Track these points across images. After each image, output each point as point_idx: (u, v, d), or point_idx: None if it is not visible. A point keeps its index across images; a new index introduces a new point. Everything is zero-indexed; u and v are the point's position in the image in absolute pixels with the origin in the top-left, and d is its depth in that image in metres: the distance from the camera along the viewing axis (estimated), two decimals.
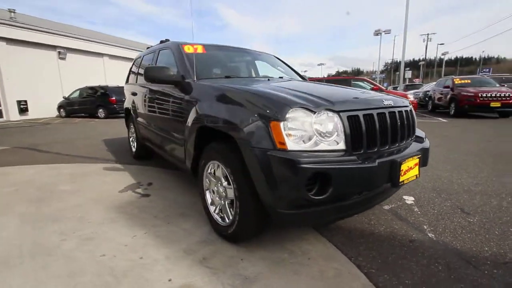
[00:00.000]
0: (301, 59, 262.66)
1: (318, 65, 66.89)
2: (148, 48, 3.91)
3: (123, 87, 13.32)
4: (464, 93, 9.23)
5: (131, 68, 4.36)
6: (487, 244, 1.81)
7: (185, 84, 2.28)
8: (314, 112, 1.43)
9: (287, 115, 1.39)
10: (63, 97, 13.70)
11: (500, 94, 8.58)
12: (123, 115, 12.78)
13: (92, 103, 12.73)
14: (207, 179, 2.01)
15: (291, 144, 1.38)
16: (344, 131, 1.46)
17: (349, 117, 1.49)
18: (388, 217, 2.20)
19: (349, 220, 2.14)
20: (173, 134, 2.48)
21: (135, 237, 1.93)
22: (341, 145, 1.45)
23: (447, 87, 10.51)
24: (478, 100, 8.77)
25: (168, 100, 2.54)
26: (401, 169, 1.57)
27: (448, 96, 10.14)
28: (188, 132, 2.14)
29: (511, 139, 5.32)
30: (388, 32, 27.53)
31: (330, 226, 2.04)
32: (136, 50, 19.99)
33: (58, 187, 2.95)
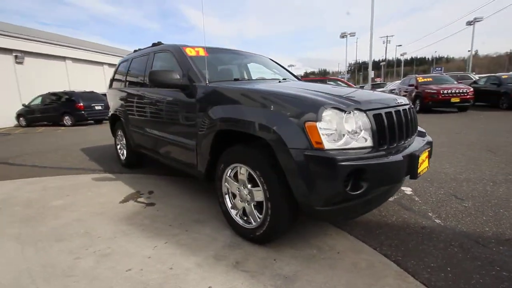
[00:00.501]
0: None
1: (288, 66, 68.48)
2: (136, 51, 3.75)
3: (91, 92, 12.62)
4: (427, 90, 10.05)
5: (115, 72, 4.15)
6: (486, 225, 2.02)
7: (194, 88, 2.24)
8: (345, 112, 1.49)
9: (322, 115, 1.44)
10: (23, 105, 12.53)
11: (459, 91, 9.48)
12: (92, 122, 12.18)
13: (56, 110, 11.80)
14: (226, 183, 2.00)
15: (327, 143, 1.43)
16: (371, 129, 1.55)
17: (374, 115, 1.58)
18: (395, 208, 2.35)
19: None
20: (181, 140, 2.41)
21: (157, 248, 1.85)
22: (369, 142, 1.54)
23: (412, 85, 11.36)
24: (440, 97, 9.60)
25: (174, 105, 2.47)
26: (419, 161, 1.70)
27: (413, 94, 10.95)
28: (203, 137, 2.11)
29: (475, 130, 5.92)
30: (353, 34, 29.08)
31: (347, 221, 2.13)
32: (102, 53, 18.99)
33: (48, 203, 2.71)
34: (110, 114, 4.11)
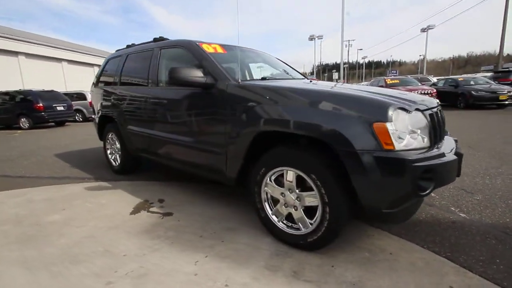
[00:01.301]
0: None
1: (257, 68, 68.85)
2: (130, 46, 3.43)
3: (51, 91, 11.41)
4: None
5: (103, 69, 3.75)
6: (505, 215, 2.17)
7: (222, 87, 2.08)
8: (409, 112, 1.48)
9: (392, 116, 1.41)
10: None
11: (424, 92, 10.30)
12: (53, 124, 10.98)
13: (9, 111, 10.46)
14: (266, 188, 1.89)
15: (396, 144, 1.40)
16: (428, 129, 1.56)
17: (429, 116, 1.60)
18: (420, 205, 2.42)
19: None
20: (204, 143, 2.23)
21: (199, 263, 1.68)
22: (426, 142, 1.54)
23: (381, 86, 12.10)
24: None
25: (195, 106, 2.27)
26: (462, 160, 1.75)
27: None
28: (236, 139, 1.96)
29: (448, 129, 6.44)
30: (320, 37, 30.27)
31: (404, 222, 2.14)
32: (61, 49, 17.36)
33: (42, 218, 2.34)
34: (98, 115, 3.70)
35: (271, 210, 1.91)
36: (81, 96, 12.50)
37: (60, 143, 6.41)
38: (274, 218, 1.89)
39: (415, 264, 1.62)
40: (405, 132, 1.46)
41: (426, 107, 1.65)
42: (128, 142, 3.17)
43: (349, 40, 52.52)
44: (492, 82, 11.82)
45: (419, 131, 1.52)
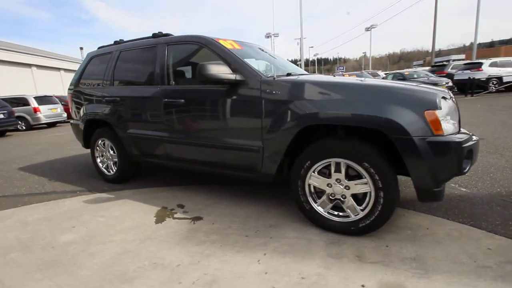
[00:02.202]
0: None
1: None
2: (118, 42, 3.14)
3: None
4: None
5: (84, 68, 3.37)
6: (493, 186, 2.56)
7: (253, 84, 2.06)
8: (447, 100, 1.67)
9: (440, 104, 1.58)
10: None
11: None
12: None
13: None
14: (310, 181, 1.94)
15: (444, 129, 1.58)
16: (456, 115, 1.78)
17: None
18: None
19: (412, 192, 2.52)
20: (236, 142, 2.18)
21: (262, 261, 1.67)
22: (456, 127, 1.76)
23: None
24: None
25: (224, 104, 2.20)
26: None
27: None
28: (277, 135, 1.97)
29: None
30: (276, 35, 31.05)
31: (404, 199, 2.37)
32: (28, 54, 17.40)
33: (54, 240, 2.05)
34: (82, 120, 3.31)
35: (316, 202, 1.98)
36: (22, 102, 10.90)
37: (14, 155, 5.55)
38: (320, 209, 1.96)
39: (451, 235, 1.84)
40: (447, 119, 1.64)
41: (450, 96, 1.87)
42: (129, 147, 2.92)
43: (300, 38, 54.87)
44: (431, 74, 13.55)
45: (451, 117, 1.73)
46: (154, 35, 2.81)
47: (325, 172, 1.92)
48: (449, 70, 14.44)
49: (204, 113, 2.35)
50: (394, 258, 1.63)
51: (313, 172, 1.92)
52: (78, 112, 3.42)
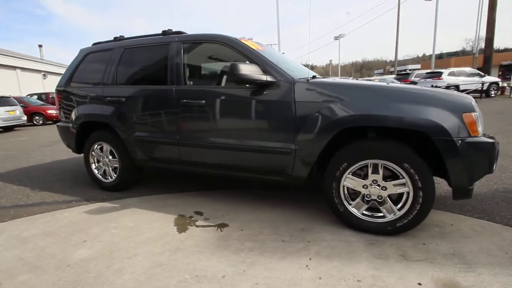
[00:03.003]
0: None
1: None
2: (118, 39, 2.90)
3: None
4: None
5: (77, 66, 3.07)
6: (489, 183, 2.80)
7: (288, 85, 2.03)
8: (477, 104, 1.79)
9: (475, 107, 1.69)
10: None
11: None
12: None
13: None
14: (345, 183, 1.95)
15: (479, 131, 1.69)
16: (481, 118, 1.91)
17: None
18: None
19: None
20: (267, 145, 2.12)
21: (311, 267, 1.63)
22: (482, 129, 1.88)
23: None
24: None
25: (254, 106, 2.12)
26: None
27: None
28: (312, 137, 1.96)
29: None
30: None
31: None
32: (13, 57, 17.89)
33: (67, 257, 1.80)
34: (75, 123, 2.99)
35: (350, 204, 1.99)
36: None
37: None
38: (355, 210, 1.97)
39: (475, 230, 1.96)
40: (480, 121, 1.76)
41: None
42: (135, 151, 2.69)
43: (271, 44, 55.90)
44: (398, 82, 14.59)
45: (481, 120, 1.85)
46: (164, 33, 2.65)
47: (359, 174, 1.94)
48: (412, 78, 15.69)
49: (229, 115, 2.26)
50: (436, 254, 1.69)
51: (349, 173, 1.93)
52: (69, 114, 3.09)
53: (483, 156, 1.67)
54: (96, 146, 2.97)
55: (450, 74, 13.13)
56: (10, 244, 1.98)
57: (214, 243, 1.93)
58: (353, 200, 1.99)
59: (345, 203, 1.99)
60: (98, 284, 1.54)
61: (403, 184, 1.81)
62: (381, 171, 1.85)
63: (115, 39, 2.96)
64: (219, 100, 2.26)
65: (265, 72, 2.08)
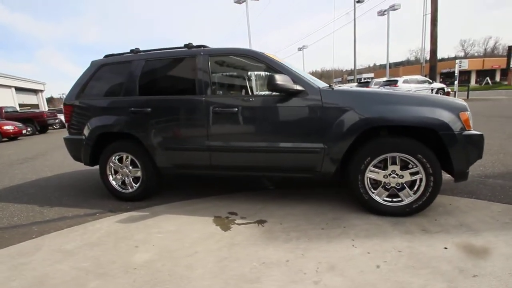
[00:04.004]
0: None
1: None
2: (135, 51, 2.98)
3: None
4: None
5: (91, 77, 3.05)
6: (486, 171, 3.38)
7: (315, 94, 2.34)
8: None
9: (468, 107, 2.15)
10: None
11: None
12: None
13: None
14: (368, 174, 2.29)
15: (471, 126, 2.15)
16: None
17: None
18: None
19: None
20: (298, 146, 2.39)
21: (356, 246, 1.91)
22: None
23: None
24: None
25: (285, 112, 2.41)
26: None
27: None
28: (339, 137, 2.28)
29: None
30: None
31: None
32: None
33: (129, 261, 1.85)
34: (90, 134, 2.95)
35: (373, 192, 2.33)
36: None
37: None
38: (377, 198, 2.32)
39: (469, 206, 2.42)
40: (471, 118, 2.24)
41: None
42: (161, 159, 2.77)
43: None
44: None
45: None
46: (187, 46, 2.82)
47: (379, 166, 2.30)
48: (372, 85, 17.26)
49: (260, 120, 2.49)
50: (448, 227, 2.09)
51: (371, 166, 2.28)
52: (81, 127, 3.04)
53: (476, 145, 2.14)
54: (115, 157, 2.96)
55: (405, 81, 14.79)
56: (58, 257, 1.96)
57: (262, 236, 2.12)
58: (375, 189, 2.34)
59: (369, 192, 2.33)
60: (176, 279, 1.65)
61: (417, 172, 2.21)
62: (398, 162, 2.23)
63: (131, 51, 3.03)
64: (251, 108, 2.49)
65: (294, 81, 2.37)
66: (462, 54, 58.54)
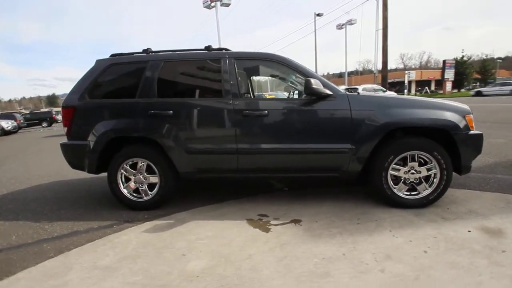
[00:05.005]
0: (56, 73, 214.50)
1: None
2: (147, 51, 2.84)
3: None
4: None
5: (97, 77, 2.81)
6: (484, 166, 3.89)
7: (343, 99, 2.51)
8: None
9: (471, 111, 2.52)
10: None
11: None
12: None
13: None
14: (391, 171, 2.53)
15: (474, 127, 2.53)
16: None
17: None
18: None
19: None
20: (326, 146, 2.52)
21: (396, 236, 2.09)
22: None
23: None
24: None
25: (313, 114, 2.53)
26: None
27: None
28: (365, 138, 2.47)
29: None
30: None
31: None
32: None
33: (184, 270, 1.75)
34: (102, 138, 2.69)
35: (394, 188, 2.57)
36: None
37: None
38: (398, 192, 2.56)
39: (467, 195, 2.80)
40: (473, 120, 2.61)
41: None
42: (183, 164, 2.66)
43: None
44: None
45: None
46: (207, 48, 2.78)
47: (399, 164, 2.55)
48: None
49: (290, 123, 2.57)
50: (460, 213, 2.41)
51: (394, 164, 2.52)
52: (86, 131, 2.76)
53: (478, 143, 2.51)
54: (127, 163, 2.75)
55: (363, 89, 16.14)
56: (99, 275, 1.76)
57: (305, 235, 2.19)
58: (395, 184, 2.58)
59: (392, 187, 2.55)
60: (247, 282, 1.63)
61: (431, 168, 2.50)
62: (417, 159, 2.50)
63: (144, 51, 2.88)
64: (281, 110, 2.56)
65: (324, 86, 2.51)
66: (402, 66, 66.16)
